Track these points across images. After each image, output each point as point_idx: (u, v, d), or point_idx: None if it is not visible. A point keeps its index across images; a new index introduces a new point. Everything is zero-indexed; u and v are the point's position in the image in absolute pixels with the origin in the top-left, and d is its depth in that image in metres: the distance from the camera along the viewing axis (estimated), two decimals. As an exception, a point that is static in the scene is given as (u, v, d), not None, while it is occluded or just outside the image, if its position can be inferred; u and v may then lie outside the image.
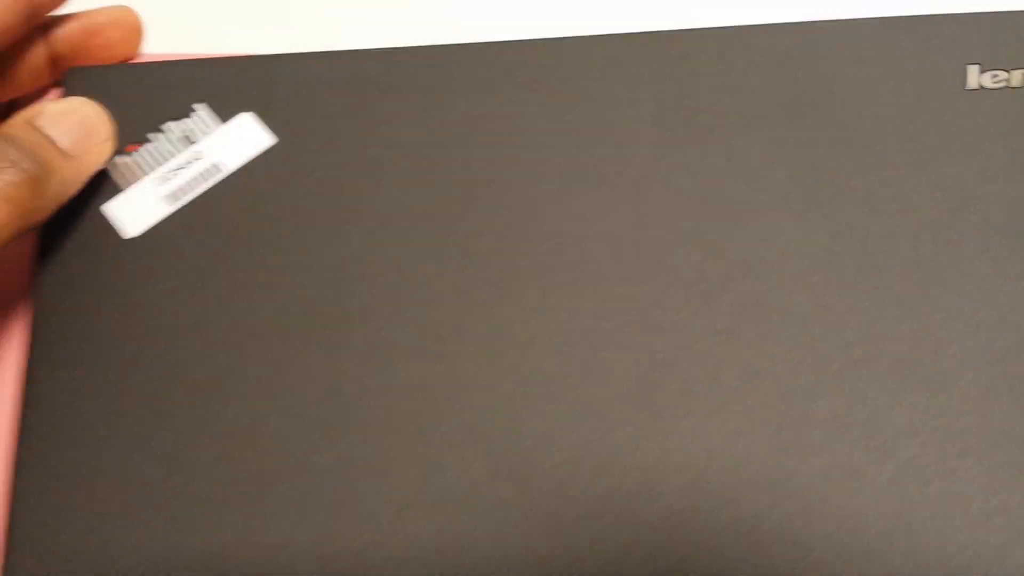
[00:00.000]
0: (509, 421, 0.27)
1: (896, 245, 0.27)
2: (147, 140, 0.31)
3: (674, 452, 0.26)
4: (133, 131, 0.31)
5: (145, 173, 0.31)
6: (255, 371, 0.28)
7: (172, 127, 0.31)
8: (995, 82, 0.28)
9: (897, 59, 0.29)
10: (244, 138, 0.30)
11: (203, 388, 0.29)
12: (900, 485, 0.25)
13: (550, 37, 0.30)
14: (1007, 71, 0.28)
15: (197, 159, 0.30)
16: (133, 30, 0.33)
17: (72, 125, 0.30)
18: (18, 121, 0.30)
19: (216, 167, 0.30)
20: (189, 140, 0.31)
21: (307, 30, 0.35)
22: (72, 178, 0.30)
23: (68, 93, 0.31)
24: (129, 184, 0.31)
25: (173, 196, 0.30)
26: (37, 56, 0.32)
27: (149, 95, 0.31)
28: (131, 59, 0.33)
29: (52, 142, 0.29)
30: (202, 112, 0.31)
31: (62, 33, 0.33)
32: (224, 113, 0.31)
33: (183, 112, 0.31)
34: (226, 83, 0.31)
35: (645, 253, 0.28)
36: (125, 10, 0.33)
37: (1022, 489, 0.25)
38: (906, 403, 0.26)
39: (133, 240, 0.30)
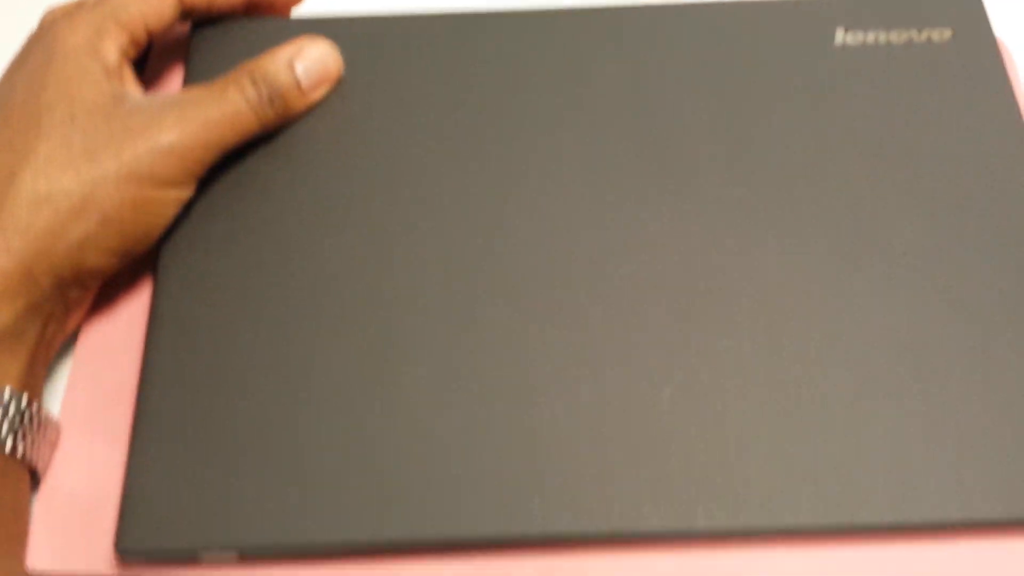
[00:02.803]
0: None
1: (776, 150, 0.38)
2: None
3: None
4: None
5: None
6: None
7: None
8: (855, 40, 0.39)
9: (790, 25, 0.40)
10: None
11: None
12: None
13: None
14: (865, 32, 0.39)
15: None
16: None
17: (318, 69, 0.39)
18: (282, 59, 0.38)
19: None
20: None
21: None
22: (297, 109, 0.39)
23: (194, 30, 0.41)
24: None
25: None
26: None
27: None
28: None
29: (299, 83, 0.38)
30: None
31: None
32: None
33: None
34: None
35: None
36: None
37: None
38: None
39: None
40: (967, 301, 0.34)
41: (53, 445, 0.34)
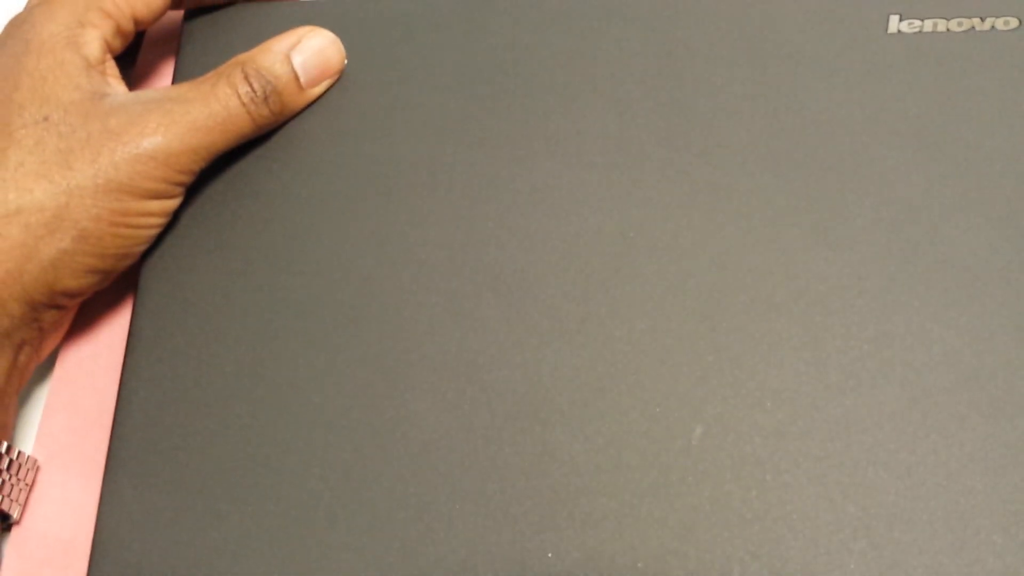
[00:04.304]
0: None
1: (822, 148, 0.34)
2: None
3: None
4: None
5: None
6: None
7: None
8: (911, 28, 0.35)
9: (837, 8, 0.36)
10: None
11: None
12: None
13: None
14: (921, 20, 0.35)
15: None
16: None
17: (318, 62, 0.35)
18: (278, 52, 0.34)
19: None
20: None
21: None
22: (295, 108, 0.35)
23: (187, 19, 0.38)
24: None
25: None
26: None
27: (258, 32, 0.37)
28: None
29: (297, 77, 0.35)
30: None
31: None
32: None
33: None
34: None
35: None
36: None
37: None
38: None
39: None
40: None
41: (29, 487, 0.32)
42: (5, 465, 0.30)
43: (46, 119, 0.31)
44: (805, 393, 0.30)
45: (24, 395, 0.34)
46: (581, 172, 0.34)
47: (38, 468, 0.32)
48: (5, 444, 0.30)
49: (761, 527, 0.28)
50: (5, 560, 0.30)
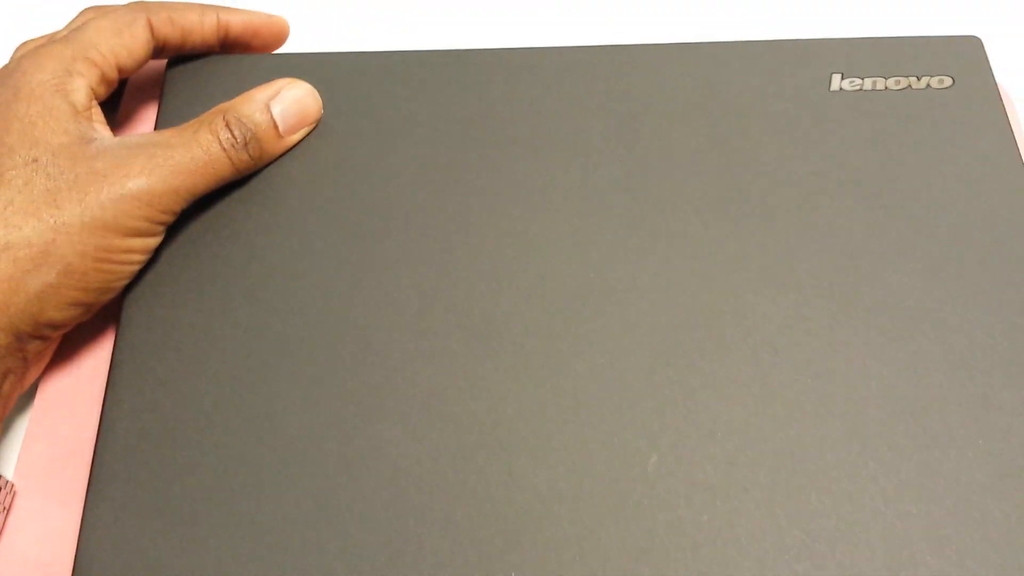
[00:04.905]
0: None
1: (769, 197, 0.36)
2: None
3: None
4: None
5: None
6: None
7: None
8: (852, 86, 0.38)
9: (783, 68, 0.39)
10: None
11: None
12: None
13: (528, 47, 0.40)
14: (861, 78, 0.38)
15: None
16: (279, 37, 0.42)
17: (296, 112, 0.38)
18: (259, 101, 0.37)
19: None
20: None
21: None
22: (273, 154, 0.37)
23: (169, 68, 0.40)
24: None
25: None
26: (211, 36, 0.40)
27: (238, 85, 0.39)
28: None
29: (276, 125, 0.37)
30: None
31: (233, 26, 0.40)
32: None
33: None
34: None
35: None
36: (281, 20, 0.42)
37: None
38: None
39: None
40: (968, 358, 0.33)
41: (7, 510, 0.32)
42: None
43: (35, 161, 0.33)
44: (753, 425, 0.32)
45: (4, 424, 0.35)
46: (546, 218, 0.36)
47: (15, 493, 0.33)
48: None
49: (712, 550, 0.30)
50: (-17, 584, 0.31)
